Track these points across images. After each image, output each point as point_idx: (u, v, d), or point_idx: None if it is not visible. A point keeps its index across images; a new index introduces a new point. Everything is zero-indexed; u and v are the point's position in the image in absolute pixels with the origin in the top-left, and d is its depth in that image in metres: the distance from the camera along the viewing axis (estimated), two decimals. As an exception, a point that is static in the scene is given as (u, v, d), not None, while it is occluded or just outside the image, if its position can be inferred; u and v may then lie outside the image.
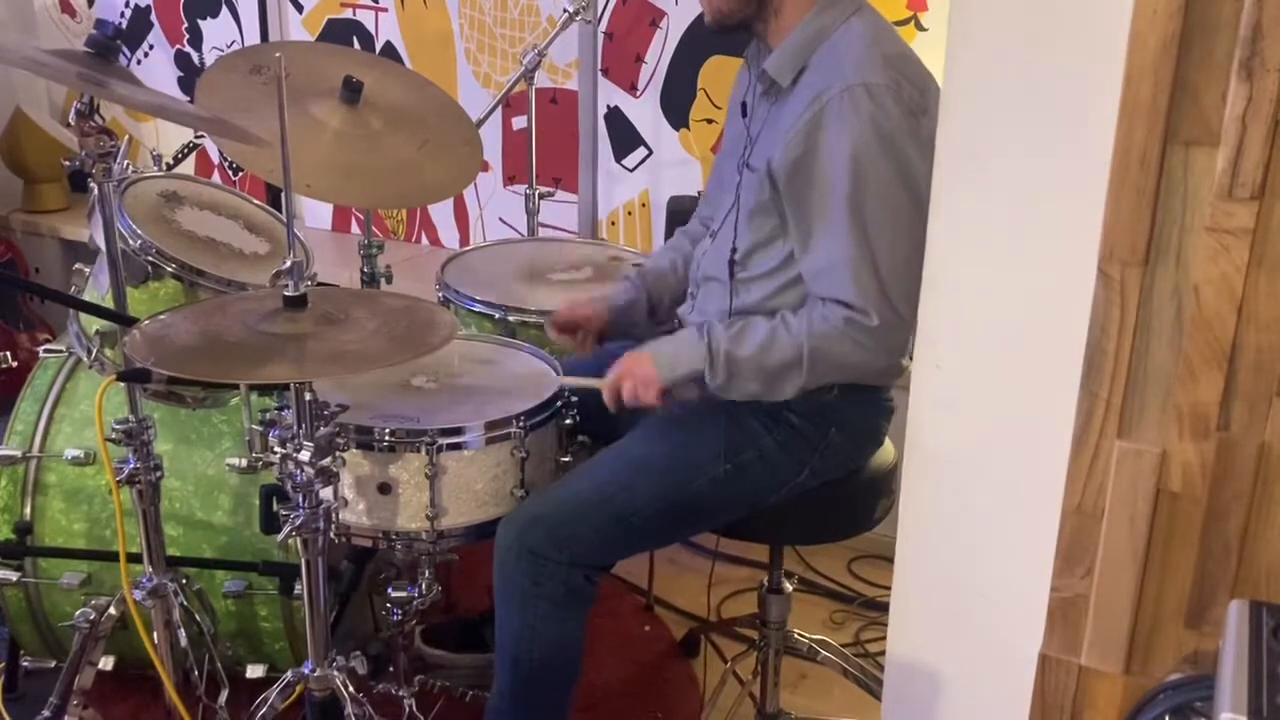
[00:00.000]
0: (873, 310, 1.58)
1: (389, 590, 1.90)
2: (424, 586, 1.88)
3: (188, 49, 3.54)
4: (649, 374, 1.69)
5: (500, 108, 2.70)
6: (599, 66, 2.94)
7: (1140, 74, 1.09)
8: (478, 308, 2.14)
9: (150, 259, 1.80)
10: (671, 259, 2.01)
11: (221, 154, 3.57)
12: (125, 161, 1.89)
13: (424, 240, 3.39)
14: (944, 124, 1.26)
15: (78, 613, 1.85)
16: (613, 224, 3.06)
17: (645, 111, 2.93)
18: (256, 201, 2.15)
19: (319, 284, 1.84)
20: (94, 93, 1.56)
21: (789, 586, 2.05)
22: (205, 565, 2.00)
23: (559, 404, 1.83)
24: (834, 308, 1.61)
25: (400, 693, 1.94)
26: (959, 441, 1.35)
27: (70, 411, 2.07)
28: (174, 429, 2.04)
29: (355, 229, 3.46)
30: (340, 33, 3.29)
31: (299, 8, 3.33)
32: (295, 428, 1.50)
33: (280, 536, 1.53)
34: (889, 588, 1.47)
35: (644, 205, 3.00)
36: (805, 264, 1.65)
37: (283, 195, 1.48)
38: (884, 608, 1.82)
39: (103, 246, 1.70)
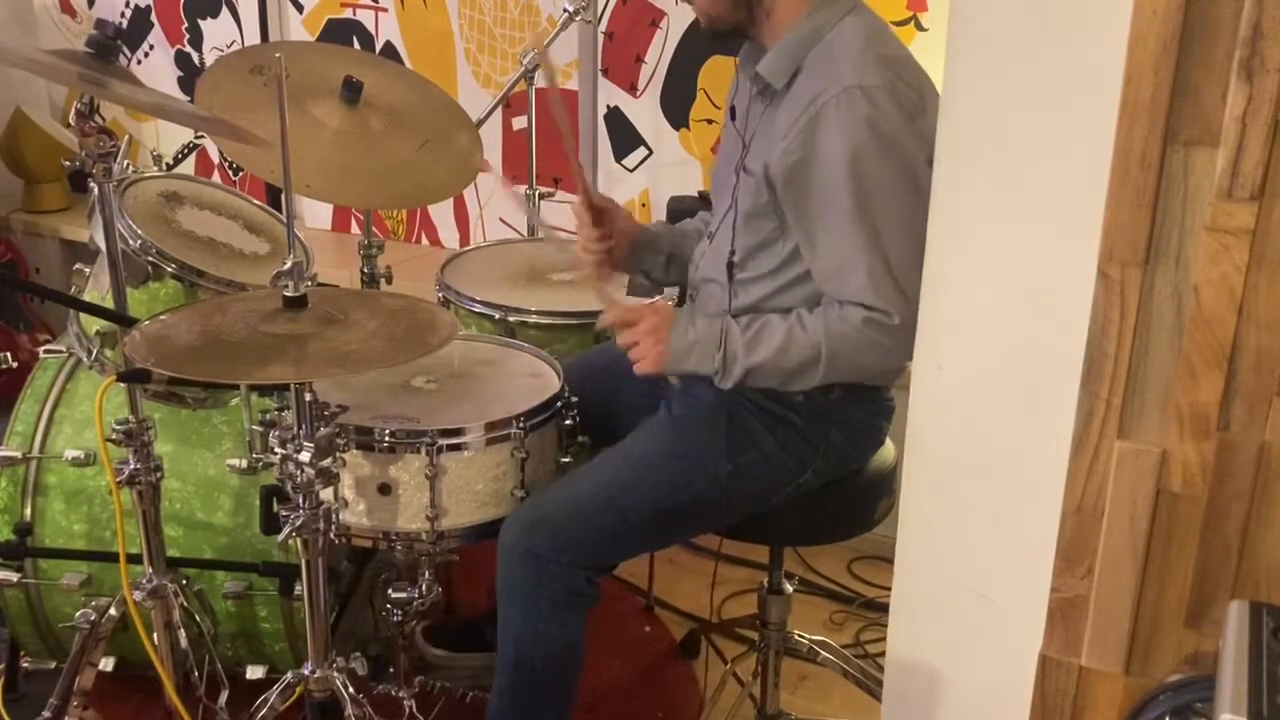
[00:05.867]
0: (893, 310, 1.57)
1: (389, 591, 1.90)
2: (424, 587, 1.88)
3: (188, 49, 3.54)
4: (654, 355, 1.67)
5: (500, 108, 2.70)
6: (599, 66, 2.94)
7: (1140, 74, 1.09)
8: (478, 308, 2.14)
9: (150, 259, 1.80)
10: (693, 227, 2.00)
11: (221, 154, 3.57)
12: (125, 161, 1.89)
13: (424, 240, 3.39)
14: (944, 124, 1.26)
15: (78, 613, 1.85)
16: (613, 224, 3.06)
17: (645, 111, 2.93)
18: (256, 201, 2.15)
19: (319, 284, 1.85)
20: (94, 93, 1.56)
21: (789, 587, 2.05)
22: (205, 566, 2.00)
23: (559, 404, 1.83)
24: (852, 308, 1.60)
25: (400, 693, 1.94)
26: (959, 441, 1.35)
27: (70, 412, 2.07)
28: (174, 429, 2.04)
29: (355, 229, 3.46)
30: (340, 33, 3.29)
31: (299, 8, 3.33)
32: (295, 428, 1.50)
33: (280, 537, 1.53)
34: (889, 588, 1.47)
35: (644, 205, 3.00)
36: (815, 268, 1.65)
37: (283, 195, 1.48)
38: (884, 608, 1.82)
39: (103, 246, 1.70)
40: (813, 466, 1.75)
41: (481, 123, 2.38)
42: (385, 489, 1.72)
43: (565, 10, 2.53)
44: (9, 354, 1.94)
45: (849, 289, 1.60)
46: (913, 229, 1.52)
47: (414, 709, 1.91)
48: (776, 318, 1.65)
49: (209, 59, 3.52)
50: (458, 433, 1.72)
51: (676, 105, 2.88)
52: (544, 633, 1.70)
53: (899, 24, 2.53)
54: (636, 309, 1.72)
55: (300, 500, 1.52)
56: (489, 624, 1.81)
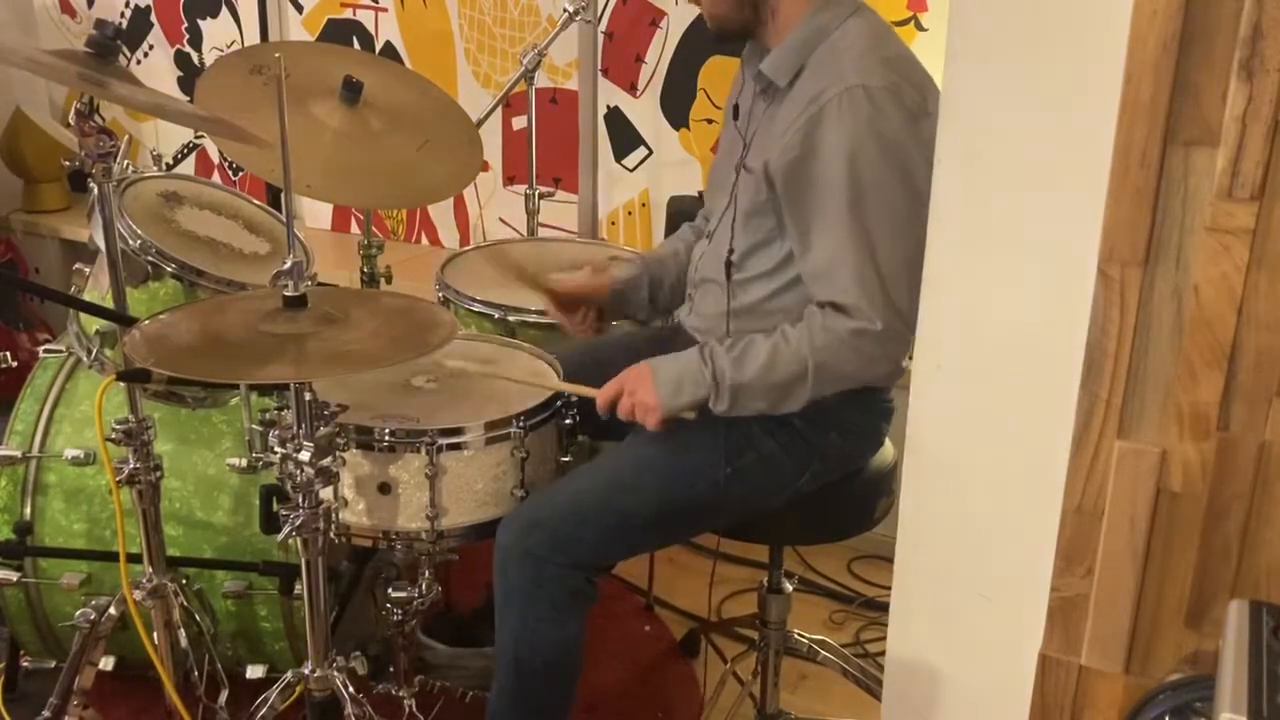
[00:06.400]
0: (877, 315, 1.56)
1: (389, 590, 1.90)
2: (424, 586, 1.88)
3: (188, 49, 3.54)
4: (650, 399, 1.66)
5: (500, 108, 2.70)
6: (599, 66, 2.94)
7: (1140, 74, 1.09)
8: (478, 308, 2.14)
9: (150, 259, 1.80)
10: (674, 247, 2.01)
11: (221, 154, 3.57)
12: (125, 161, 1.89)
13: (424, 240, 3.39)
14: (944, 124, 1.26)
15: (78, 613, 1.85)
16: (613, 224, 3.06)
17: (645, 111, 2.92)
18: (256, 201, 2.15)
19: (319, 284, 1.85)
20: (94, 93, 1.56)
21: (789, 586, 2.05)
22: (205, 565, 2.00)
23: (559, 404, 1.83)
24: (835, 316, 1.59)
25: (400, 693, 1.94)
26: (959, 441, 1.35)
27: (70, 411, 2.07)
28: (174, 429, 2.04)
29: (355, 229, 3.46)
30: (340, 33, 3.29)
31: (299, 8, 3.33)
32: (295, 428, 1.50)
33: (280, 536, 1.53)
34: (889, 588, 1.47)
35: (644, 205, 3.00)
36: (805, 266, 1.64)
37: (283, 195, 1.48)
38: (884, 608, 1.82)
39: (103, 246, 1.70)
40: (812, 470, 1.75)
41: (481, 123, 2.39)
42: (385, 488, 1.72)
43: (565, 10, 2.53)
44: (9, 353, 1.94)
45: (835, 288, 1.59)
46: (904, 234, 1.52)
47: (414, 708, 1.91)
48: (760, 336, 1.64)
49: (209, 59, 3.52)
50: (457, 432, 1.72)
51: (676, 105, 2.88)
52: (544, 633, 1.70)
53: (899, 24, 2.53)
54: (612, 384, 1.71)
55: (300, 500, 1.52)
56: (482, 621, 1.81)
